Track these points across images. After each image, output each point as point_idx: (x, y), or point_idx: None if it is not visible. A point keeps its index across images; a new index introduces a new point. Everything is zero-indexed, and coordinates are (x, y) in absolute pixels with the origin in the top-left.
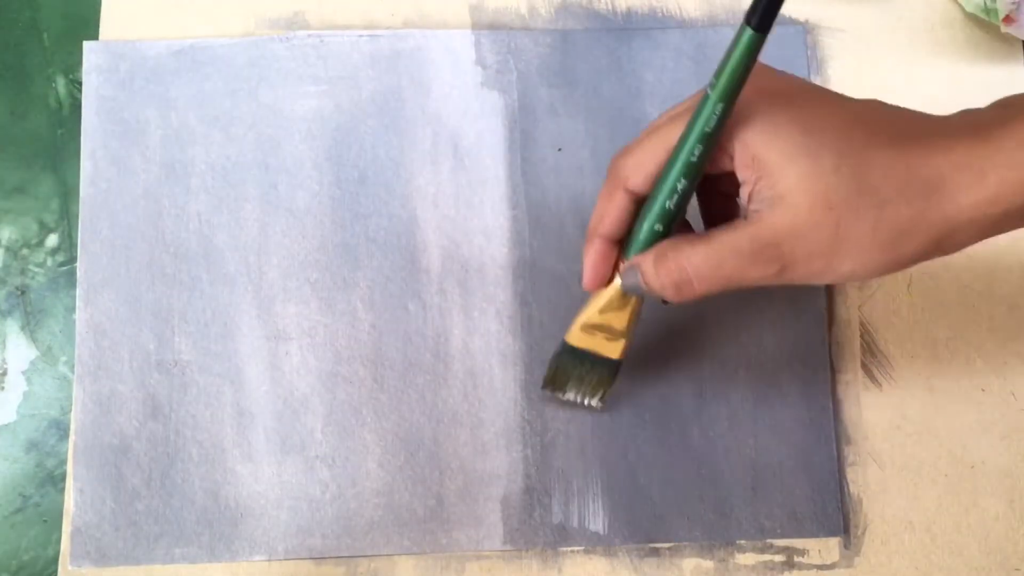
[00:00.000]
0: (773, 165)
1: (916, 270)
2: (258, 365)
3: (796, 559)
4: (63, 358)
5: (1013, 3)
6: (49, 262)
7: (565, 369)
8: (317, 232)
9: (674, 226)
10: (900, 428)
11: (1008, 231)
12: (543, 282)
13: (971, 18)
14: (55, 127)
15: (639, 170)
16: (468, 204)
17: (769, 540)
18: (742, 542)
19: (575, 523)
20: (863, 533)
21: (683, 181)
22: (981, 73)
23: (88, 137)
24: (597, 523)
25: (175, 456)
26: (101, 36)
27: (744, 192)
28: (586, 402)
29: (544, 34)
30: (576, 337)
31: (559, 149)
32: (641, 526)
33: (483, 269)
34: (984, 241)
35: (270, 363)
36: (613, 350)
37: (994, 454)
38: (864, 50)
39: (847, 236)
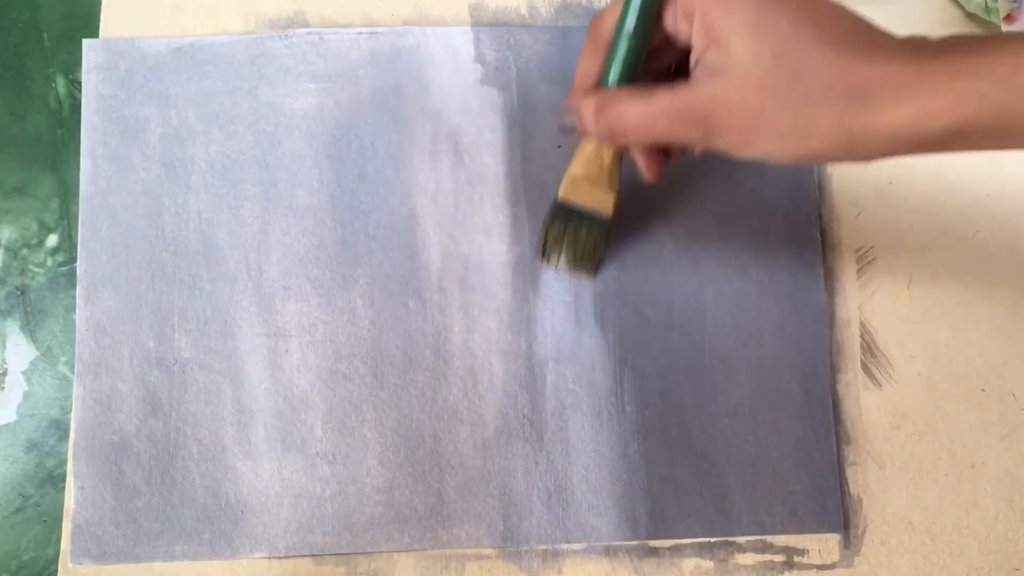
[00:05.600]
0: (723, 37)
1: (916, 270)
2: (258, 362)
3: (796, 559)
4: (63, 358)
5: (1014, 2)
6: (49, 262)
7: (558, 229)
8: (317, 229)
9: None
10: (900, 428)
11: (922, 154)
12: (543, 279)
13: (972, 18)
14: (55, 127)
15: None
16: (468, 201)
17: (769, 540)
18: (742, 542)
19: (575, 521)
20: (863, 533)
21: (633, 21)
22: None
23: (88, 135)
24: (597, 521)
25: (175, 453)
26: (101, 36)
27: (693, 58)
28: (581, 270)
29: (543, 31)
30: (566, 191)
31: (559, 146)
32: (641, 523)
33: (483, 266)
34: (984, 241)
35: (270, 360)
36: (604, 204)
37: (994, 454)
38: None
39: (768, 121)
